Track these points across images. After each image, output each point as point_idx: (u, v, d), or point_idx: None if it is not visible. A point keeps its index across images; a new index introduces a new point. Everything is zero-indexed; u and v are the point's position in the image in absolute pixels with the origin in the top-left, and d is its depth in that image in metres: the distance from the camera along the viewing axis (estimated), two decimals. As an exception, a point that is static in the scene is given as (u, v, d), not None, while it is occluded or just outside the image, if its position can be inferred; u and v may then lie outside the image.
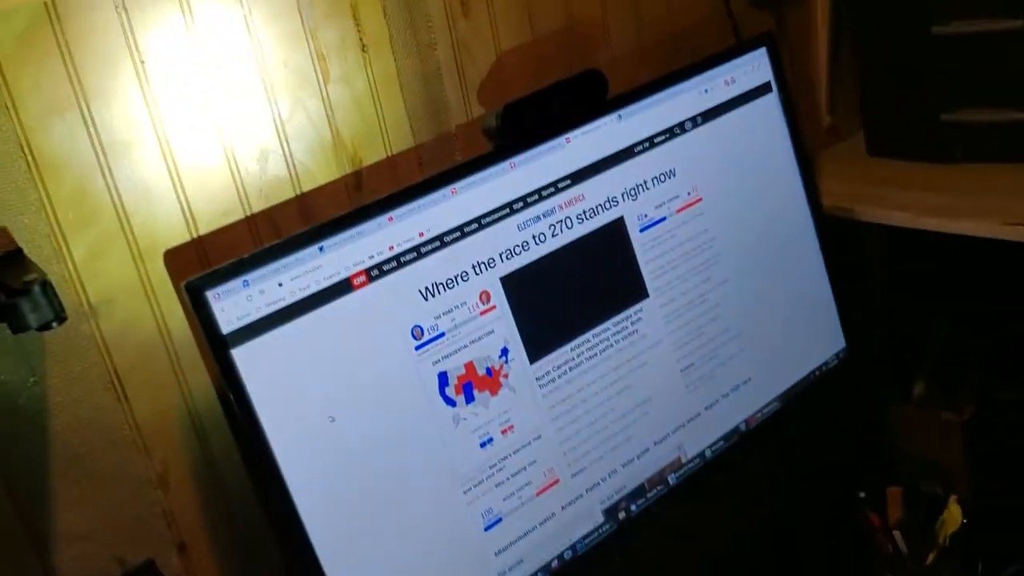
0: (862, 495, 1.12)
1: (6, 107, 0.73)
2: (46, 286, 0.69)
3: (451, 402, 0.87)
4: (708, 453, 1.04)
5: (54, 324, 0.70)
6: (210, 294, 0.75)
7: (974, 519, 1.07)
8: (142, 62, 0.79)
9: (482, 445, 0.89)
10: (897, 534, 1.09)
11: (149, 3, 0.79)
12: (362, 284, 0.82)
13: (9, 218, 0.75)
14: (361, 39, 0.91)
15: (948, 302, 1.30)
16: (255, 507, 0.92)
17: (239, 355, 0.77)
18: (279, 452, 0.79)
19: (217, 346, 0.76)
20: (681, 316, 1.01)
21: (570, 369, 0.94)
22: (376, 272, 0.82)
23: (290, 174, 0.89)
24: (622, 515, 0.98)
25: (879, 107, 1.27)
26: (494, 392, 0.89)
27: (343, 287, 0.81)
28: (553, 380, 0.92)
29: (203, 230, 0.85)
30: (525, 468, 0.91)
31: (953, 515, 1.08)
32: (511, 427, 0.90)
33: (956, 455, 1.18)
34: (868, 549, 1.12)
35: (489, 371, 0.89)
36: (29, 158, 0.75)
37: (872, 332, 1.28)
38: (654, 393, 0.99)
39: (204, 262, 0.85)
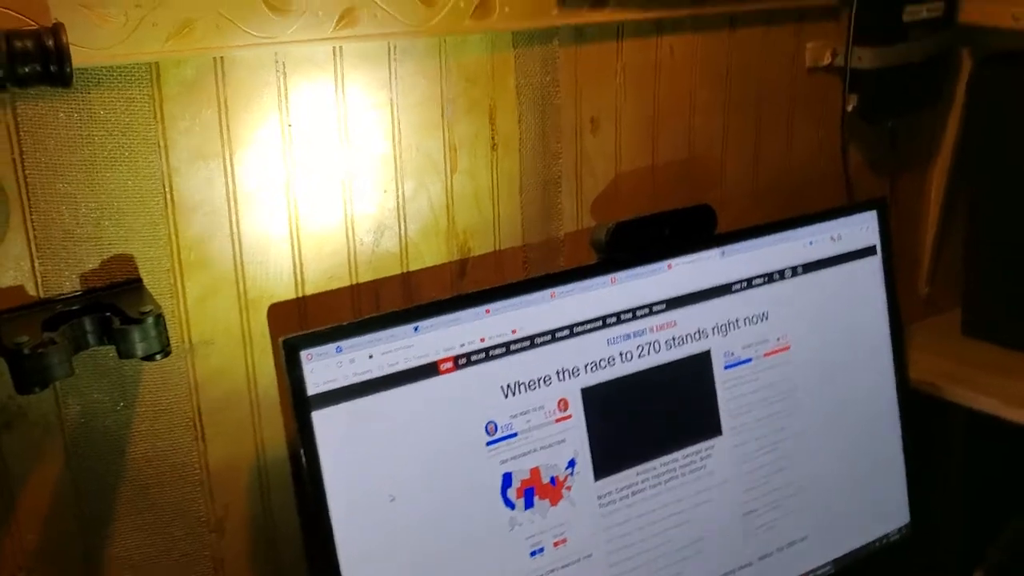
0: None
1: (158, 146, 0.77)
2: (159, 319, 0.72)
3: (510, 504, 0.87)
4: (754, 604, 1.02)
5: (158, 356, 0.73)
6: (304, 354, 0.77)
7: None
8: (289, 125, 0.83)
9: (532, 554, 0.88)
10: None
11: (307, 72, 0.83)
12: (448, 370, 0.83)
13: (137, 248, 0.78)
14: (493, 138, 0.95)
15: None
16: (303, 566, 0.92)
17: (319, 418, 0.78)
18: (335, 519, 0.79)
19: (300, 405, 0.77)
20: (751, 460, 1.00)
21: (633, 493, 0.93)
22: (464, 361, 0.84)
23: (400, 251, 0.92)
24: (657, 650, 0.96)
25: (982, 289, 1.26)
26: (554, 502, 0.89)
27: (429, 370, 0.82)
28: (614, 501, 0.92)
29: (309, 291, 0.87)
30: (570, 584, 0.91)
31: None
32: (564, 540, 0.90)
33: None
34: None
35: (553, 480, 0.89)
36: (168, 196, 0.78)
37: (940, 513, 1.25)
38: (711, 533, 0.98)
39: (304, 321, 0.87)
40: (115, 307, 0.73)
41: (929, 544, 1.16)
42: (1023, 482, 1.28)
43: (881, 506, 1.11)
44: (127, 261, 0.78)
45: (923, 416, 1.13)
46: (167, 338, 0.73)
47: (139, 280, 0.78)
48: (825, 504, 1.05)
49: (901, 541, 1.12)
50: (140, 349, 0.72)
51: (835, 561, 1.07)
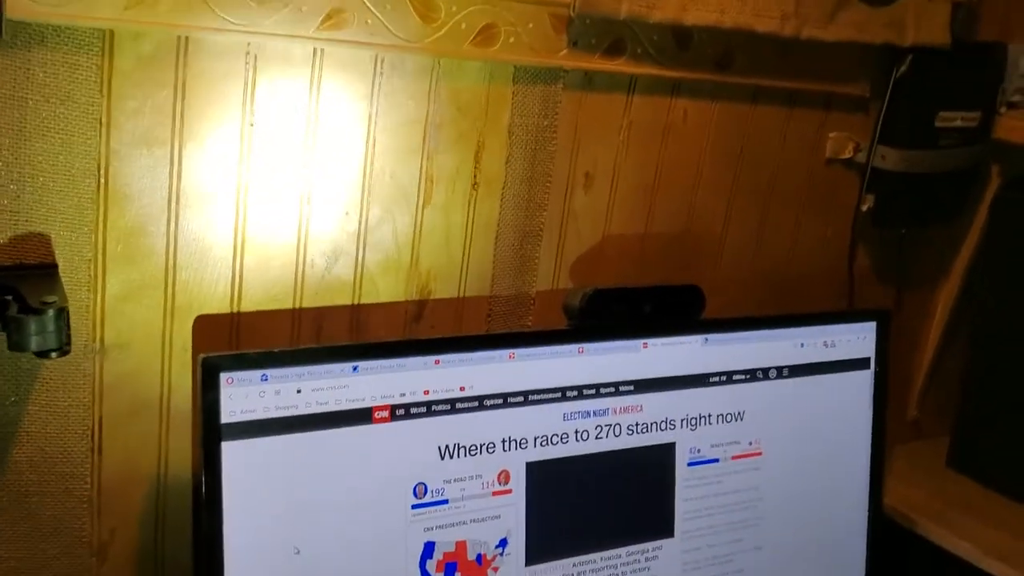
0: None
1: (99, 122, 0.70)
2: (62, 314, 0.64)
3: (428, 577, 0.79)
4: None
5: (54, 354, 0.65)
6: (224, 377, 0.70)
7: None
8: (251, 124, 0.76)
9: (444, 636, 0.80)
10: None
11: (280, 69, 0.77)
12: (383, 419, 0.76)
13: (58, 231, 0.71)
14: (475, 176, 0.88)
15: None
16: (187, 607, 0.84)
17: (228, 450, 0.70)
18: (229, 564, 0.71)
19: (210, 433, 0.70)
20: (700, 569, 0.92)
21: (565, 586, 0.85)
22: (402, 412, 0.76)
23: (354, 281, 0.85)
24: None
25: (973, 423, 1.19)
26: (477, 583, 0.81)
27: (362, 416, 0.75)
28: (543, 592, 0.84)
29: (245, 307, 0.80)
30: (480, 678, 0.82)
31: None
32: (481, 627, 0.82)
33: None
34: None
35: (480, 558, 0.81)
36: (101, 179, 0.72)
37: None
38: (644, 642, 0.90)
39: (233, 341, 0.80)
40: (17, 291, 0.66)
41: None
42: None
43: (833, 640, 1.03)
44: (43, 243, 0.71)
45: (891, 547, 1.05)
46: (68, 336, 0.65)
47: (54, 266, 0.71)
48: (773, 629, 0.97)
49: None
50: (34, 343, 0.64)
51: None
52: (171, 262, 0.76)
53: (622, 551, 0.88)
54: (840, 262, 1.16)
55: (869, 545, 1.02)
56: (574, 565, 0.85)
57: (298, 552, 0.73)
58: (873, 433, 1.01)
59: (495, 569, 0.82)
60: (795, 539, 0.97)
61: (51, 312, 0.64)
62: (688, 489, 0.90)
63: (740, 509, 0.94)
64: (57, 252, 0.71)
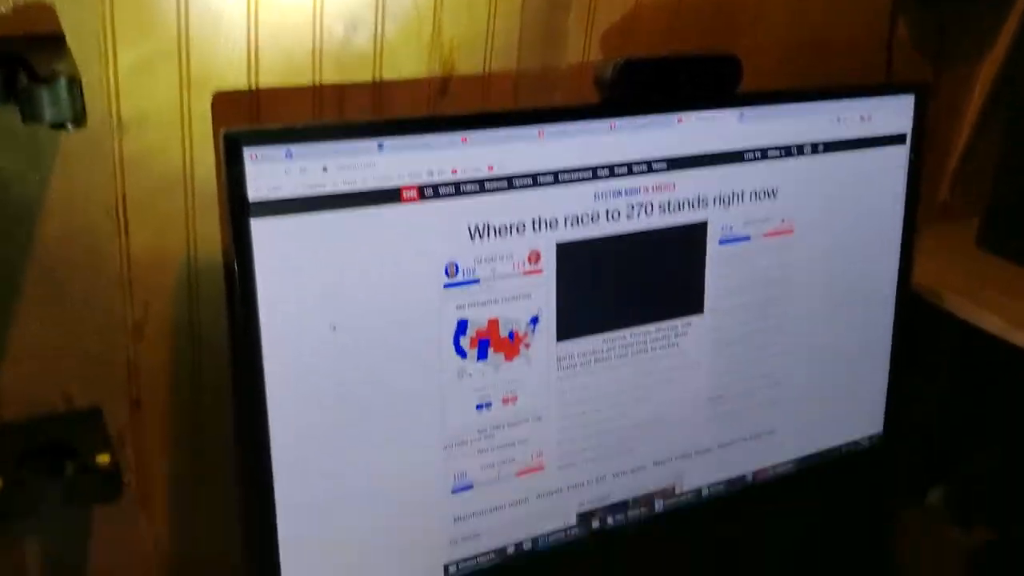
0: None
1: None
2: (73, 83, 0.61)
3: (462, 353, 0.79)
4: (705, 492, 0.96)
5: (69, 126, 0.62)
6: (248, 152, 0.67)
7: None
8: None
9: (479, 407, 0.81)
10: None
11: None
12: (411, 199, 0.73)
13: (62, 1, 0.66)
14: (500, -69, 0.82)
15: (1006, 422, 1.21)
16: (225, 383, 0.85)
17: (258, 227, 0.68)
18: (267, 340, 0.71)
19: (238, 209, 0.68)
20: (730, 344, 0.92)
21: (595, 360, 0.85)
22: (430, 192, 0.74)
23: (374, 54, 0.81)
24: (596, 524, 0.91)
25: (1005, 202, 1.17)
26: (509, 357, 0.81)
27: (390, 195, 0.72)
28: (574, 366, 0.84)
29: (264, 83, 0.76)
30: (514, 444, 0.84)
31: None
32: (515, 398, 0.83)
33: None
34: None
35: (512, 335, 0.81)
36: (101, -61, 0.66)
37: (913, 425, 1.19)
38: (672, 413, 0.91)
39: (254, 117, 0.77)
40: (26, 61, 0.62)
41: (894, 457, 1.10)
42: (1005, 409, 1.22)
43: (857, 411, 1.05)
44: (48, 13, 0.66)
45: (919, 324, 1.05)
46: (82, 105, 0.62)
47: (61, 36, 0.66)
48: (799, 400, 0.99)
49: (869, 450, 1.06)
50: (48, 114, 0.61)
51: (798, 460, 1.01)
52: (184, 33, 0.72)
53: (652, 327, 0.87)
54: (879, 31, 1.10)
55: (896, 322, 1.02)
56: (604, 341, 0.85)
57: (335, 328, 0.73)
58: (905, 211, 0.99)
59: (527, 345, 0.82)
60: (823, 316, 0.97)
61: (63, 80, 0.61)
62: (719, 267, 0.89)
63: (769, 286, 0.93)
64: (64, 23, 0.66)
